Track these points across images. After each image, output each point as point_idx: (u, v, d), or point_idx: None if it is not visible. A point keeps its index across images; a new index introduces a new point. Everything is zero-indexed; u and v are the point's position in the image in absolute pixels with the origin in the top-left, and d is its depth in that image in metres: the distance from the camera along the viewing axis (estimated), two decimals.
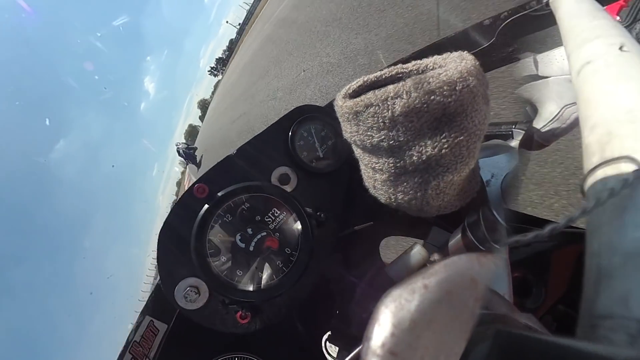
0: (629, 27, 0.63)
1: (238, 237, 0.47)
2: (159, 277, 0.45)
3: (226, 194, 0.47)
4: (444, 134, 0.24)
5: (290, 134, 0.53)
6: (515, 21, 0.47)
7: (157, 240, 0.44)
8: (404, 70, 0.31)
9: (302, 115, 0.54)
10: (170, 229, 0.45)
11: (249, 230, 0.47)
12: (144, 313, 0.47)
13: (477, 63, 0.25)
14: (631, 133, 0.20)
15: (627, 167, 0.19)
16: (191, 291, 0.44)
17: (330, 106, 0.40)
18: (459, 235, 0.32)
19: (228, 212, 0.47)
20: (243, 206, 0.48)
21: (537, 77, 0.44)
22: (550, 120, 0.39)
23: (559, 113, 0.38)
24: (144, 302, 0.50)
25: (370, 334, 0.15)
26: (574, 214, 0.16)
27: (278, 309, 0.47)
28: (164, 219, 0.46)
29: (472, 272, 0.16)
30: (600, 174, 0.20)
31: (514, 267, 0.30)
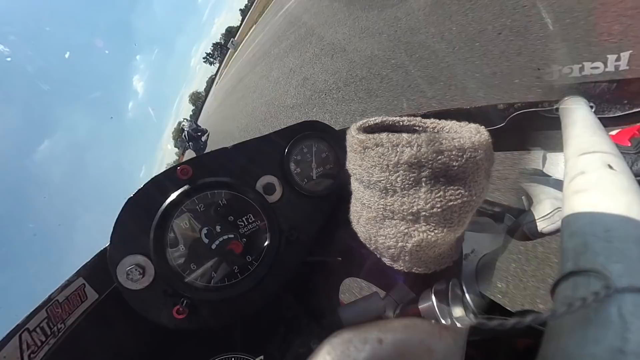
0: (637, 154, 0.68)
1: (205, 230, 0.45)
2: (108, 242, 0.42)
3: (209, 183, 0.45)
4: (439, 193, 0.25)
5: (289, 145, 0.52)
6: (525, 115, 0.50)
7: (122, 205, 0.42)
8: (422, 124, 0.32)
9: (309, 130, 0.54)
10: (140, 198, 0.43)
11: (217, 228, 0.45)
12: (78, 274, 0.43)
13: (490, 140, 0.26)
14: (605, 251, 0.21)
15: (598, 282, 0.19)
16: (136, 270, 0.41)
17: (343, 133, 0.41)
18: (429, 301, 0.32)
19: (203, 202, 0.45)
20: (220, 202, 0.46)
21: (541, 173, 0.46)
22: (541, 218, 0.41)
23: (550, 213, 0.40)
24: None
25: None
26: (542, 315, 0.16)
27: (218, 315, 0.44)
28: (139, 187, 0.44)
29: (431, 342, 0.16)
30: (572, 282, 0.21)
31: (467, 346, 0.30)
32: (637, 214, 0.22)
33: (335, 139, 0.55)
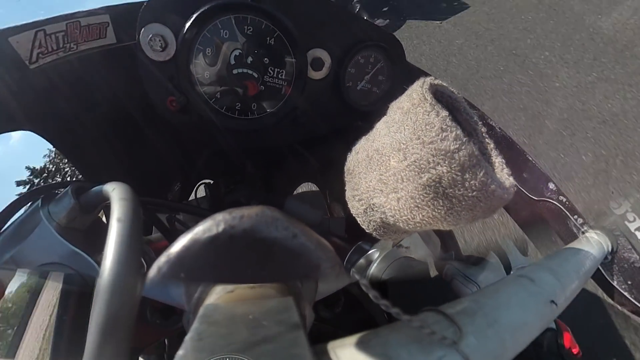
0: None
1: (237, 52, 0.43)
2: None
3: (272, 14, 0.42)
4: (441, 203, 0.25)
5: (362, 44, 0.47)
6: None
7: None
8: (482, 139, 0.29)
9: (386, 43, 0.48)
10: None
11: (249, 59, 0.44)
12: (107, 10, 0.42)
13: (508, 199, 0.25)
14: (478, 321, 0.24)
15: (451, 331, 0.22)
16: (159, 40, 0.41)
17: (410, 69, 0.36)
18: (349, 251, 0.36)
19: (253, 27, 0.43)
20: (268, 39, 0.44)
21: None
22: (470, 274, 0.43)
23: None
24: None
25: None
26: (398, 314, 0.19)
27: (199, 132, 0.47)
28: None
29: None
30: (438, 314, 0.24)
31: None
32: (522, 323, 0.24)
33: (400, 68, 0.50)
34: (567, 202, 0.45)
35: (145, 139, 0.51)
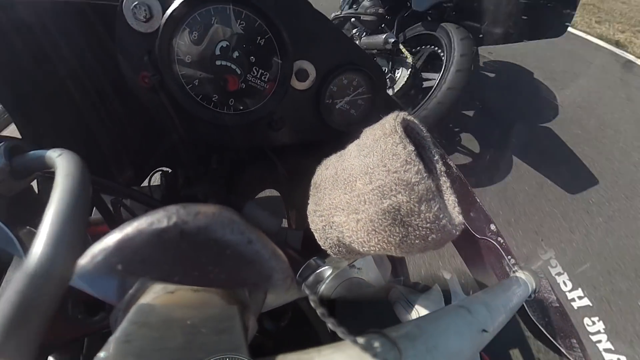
0: None
1: (224, 44, 0.42)
2: None
3: (267, 14, 0.42)
4: (398, 230, 0.26)
5: (347, 64, 0.48)
6: None
7: None
8: (439, 177, 0.31)
9: (370, 69, 0.50)
10: None
11: (235, 53, 0.43)
12: None
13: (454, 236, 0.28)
14: (419, 345, 0.25)
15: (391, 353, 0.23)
16: (144, 10, 0.38)
17: (386, 99, 0.37)
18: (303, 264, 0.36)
19: (247, 22, 0.42)
20: (259, 39, 0.43)
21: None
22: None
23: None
24: None
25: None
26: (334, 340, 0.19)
27: (165, 116, 0.44)
28: None
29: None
30: (379, 336, 0.25)
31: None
32: (459, 350, 0.26)
33: (379, 97, 0.52)
34: (503, 243, 0.50)
35: (104, 110, 0.47)
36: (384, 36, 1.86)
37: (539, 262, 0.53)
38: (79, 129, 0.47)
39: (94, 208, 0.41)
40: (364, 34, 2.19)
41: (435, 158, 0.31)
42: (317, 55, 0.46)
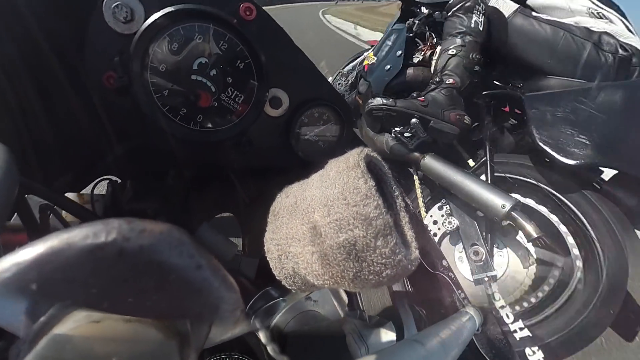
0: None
1: (203, 60, 0.42)
2: None
3: (247, 40, 0.42)
4: (355, 265, 0.25)
5: (323, 93, 0.50)
6: None
7: None
8: (399, 211, 0.33)
9: (339, 106, 0.52)
10: None
11: (213, 72, 0.43)
12: None
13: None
14: None
15: None
16: (125, 11, 0.37)
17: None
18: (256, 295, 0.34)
19: (229, 45, 0.42)
20: (238, 62, 0.43)
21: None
22: None
23: None
24: None
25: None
26: None
27: (134, 115, 0.41)
28: None
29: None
30: None
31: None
32: None
33: (347, 133, 0.54)
34: (454, 278, 0.52)
35: (54, 102, 0.42)
36: None
37: (484, 297, 0.56)
38: (14, 118, 0.42)
39: (15, 213, 0.35)
40: None
41: (395, 194, 0.32)
42: (293, 86, 0.47)
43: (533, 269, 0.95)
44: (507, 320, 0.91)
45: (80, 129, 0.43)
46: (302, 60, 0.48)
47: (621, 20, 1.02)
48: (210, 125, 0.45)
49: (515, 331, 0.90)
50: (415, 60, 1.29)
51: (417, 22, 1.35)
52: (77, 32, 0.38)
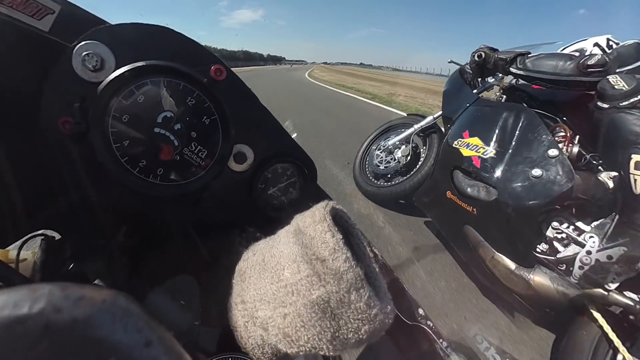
0: None
1: (168, 114, 0.42)
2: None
3: (215, 97, 0.44)
4: (329, 326, 0.24)
5: (285, 154, 0.51)
6: None
7: (153, 24, 0.40)
8: (369, 264, 0.32)
9: (300, 161, 0.53)
10: (161, 39, 0.40)
11: (177, 126, 0.42)
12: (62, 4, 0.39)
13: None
14: None
15: None
16: (95, 59, 0.37)
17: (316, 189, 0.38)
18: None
19: (197, 101, 0.43)
20: (205, 118, 0.44)
21: None
22: None
23: None
24: None
25: None
26: None
27: (87, 163, 0.39)
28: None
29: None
30: None
31: None
32: None
33: (310, 188, 0.55)
34: (433, 327, 0.49)
35: None
36: None
37: (467, 341, 0.53)
38: None
39: None
40: None
41: (362, 245, 0.32)
42: (258, 142, 0.49)
43: None
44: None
45: (21, 175, 0.39)
46: (268, 118, 0.50)
47: None
48: (171, 179, 0.43)
49: None
50: (554, 153, 0.91)
51: (504, 96, 1.07)
52: (40, 72, 0.37)
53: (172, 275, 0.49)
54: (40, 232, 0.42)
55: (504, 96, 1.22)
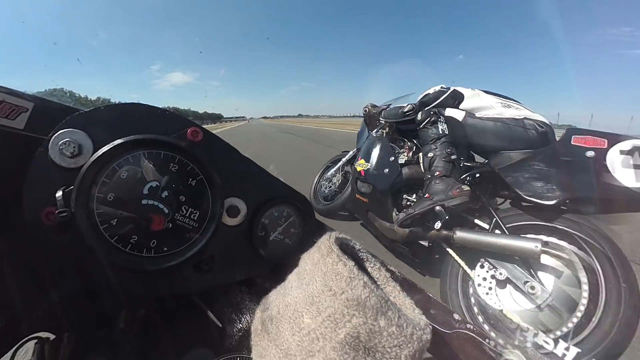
0: None
1: (153, 184, 0.42)
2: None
3: (200, 159, 0.44)
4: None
5: (277, 199, 0.51)
6: None
7: (130, 103, 0.42)
8: (385, 283, 0.31)
9: (299, 203, 0.53)
10: (141, 114, 0.42)
11: (164, 193, 0.42)
12: (35, 100, 0.41)
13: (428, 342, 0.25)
14: None
15: None
16: (73, 147, 0.37)
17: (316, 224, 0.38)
18: None
19: (180, 166, 0.43)
20: (190, 180, 0.44)
21: None
22: None
23: None
24: None
25: None
26: None
27: (75, 252, 0.38)
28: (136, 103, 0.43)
29: None
30: None
31: None
32: None
33: (310, 223, 0.55)
34: (474, 329, 0.46)
35: None
36: None
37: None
38: None
39: None
40: None
41: (376, 266, 0.31)
42: (247, 192, 0.49)
43: (574, 291, 1.11)
44: (548, 347, 1.03)
45: (6, 277, 0.37)
46: (252, 168, 0.50)
47: (520, 105, 1.46)
48: (166, 249, 0.42)
49: (564, 355, 1.01)
50: (402, 160, 1.68)
51: (384, 132, 1.86)
52: (20, 167, 0.37)
53: (185, 350, 0.45)
54: (33, 335, 0.39)
55: (384, 131, 1.94)
